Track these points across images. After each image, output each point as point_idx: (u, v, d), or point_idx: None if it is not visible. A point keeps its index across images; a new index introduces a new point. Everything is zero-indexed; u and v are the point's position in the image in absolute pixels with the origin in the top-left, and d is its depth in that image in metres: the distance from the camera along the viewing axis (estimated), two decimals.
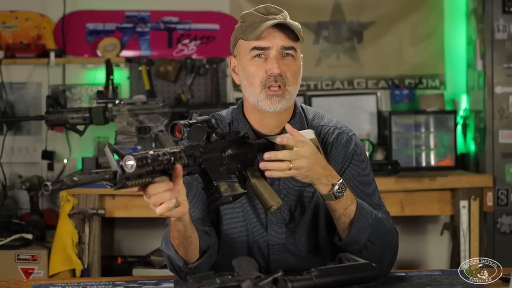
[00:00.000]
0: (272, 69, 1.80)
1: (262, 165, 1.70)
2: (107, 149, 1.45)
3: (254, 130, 1.90)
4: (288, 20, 1.84)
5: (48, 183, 1.35)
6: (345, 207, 1.76)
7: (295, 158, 1.69)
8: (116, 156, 1.45)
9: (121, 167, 1.44)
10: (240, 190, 1.67)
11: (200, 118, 1.67)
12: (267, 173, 1.70)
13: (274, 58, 1.81)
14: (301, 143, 1.71)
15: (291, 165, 1.69)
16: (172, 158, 1.53)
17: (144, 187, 1.51)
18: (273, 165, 1.69)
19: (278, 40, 1.81)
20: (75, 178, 1.38)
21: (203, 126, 1.66)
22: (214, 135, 1.68)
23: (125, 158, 1.44)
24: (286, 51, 1.82)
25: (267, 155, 1.70)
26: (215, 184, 1.62)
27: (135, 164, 1.43)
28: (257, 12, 1.85)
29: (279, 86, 1.81)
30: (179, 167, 1.54)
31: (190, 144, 1.63)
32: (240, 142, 1.75)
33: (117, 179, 1.43)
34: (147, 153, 1.48)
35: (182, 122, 1.64)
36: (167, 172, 1.53)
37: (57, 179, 1.38)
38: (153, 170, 1.49)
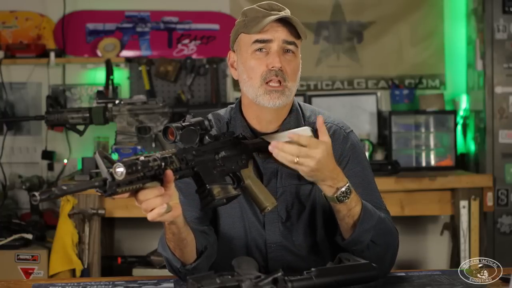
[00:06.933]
0: (274, 63, 1.79)
1: (272, 144, 1.68)
2: (97, 156, 1.44)
3: (250, 127, 1.89)
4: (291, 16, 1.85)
5: (36, 193, 1.34)
6: (350, 209, 1.75)
7: (304, 156, 1.66)
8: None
9: (111, 174, 1.43)
10: (234, 193, 1.65)
11: (193, 120, 1.65)
12: (274, 153, 1.68)
13: (275, 52, 1.80)
14: (314, 143, 1.68)
15: (297, 160, 1.67)
16: (163, 164, 1.52)
17: (135, 193, 1.50)
18: (281, 153, 1.67)
19: (281, 34, 1.80)
20: (64, 187, 1.37)
21: (196, 128, 1.63)
22: (207, 137, 1.66)
23: (114, 165, 1.43)
24: (288, 47, 1.82)
25: (274, 144, 1.67)
26: (208, 187, 1.61)
27: (124, 171, 1.42)
28: (260, 7, 1.85)
29: (279, 82, 1.80)
30: (169, 172, 1.53)
31: (183, 147, 1.61)
32: (234, 143, 1.74)
33: (107, 186, 1.43)
34: (138, 159, 1.46)
35: (174, 125, 1.62)
36: (159, 177, 1.52)
37: (46, 188, 1.37)
38: (144, 176, 1.48)
